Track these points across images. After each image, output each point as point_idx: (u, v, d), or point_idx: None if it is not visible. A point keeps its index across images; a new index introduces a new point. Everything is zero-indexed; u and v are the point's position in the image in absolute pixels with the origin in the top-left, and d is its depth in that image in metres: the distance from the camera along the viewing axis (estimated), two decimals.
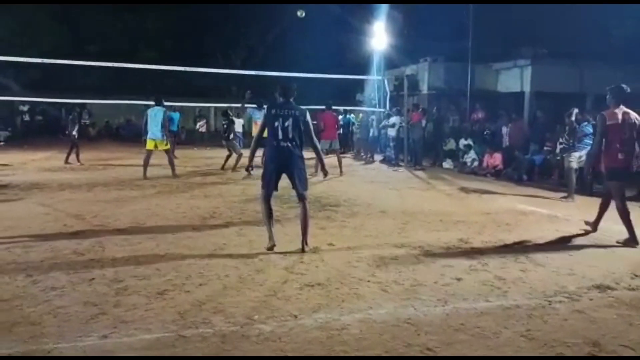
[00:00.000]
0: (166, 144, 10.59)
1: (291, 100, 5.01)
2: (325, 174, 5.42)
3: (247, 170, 5.41)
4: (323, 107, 12.63)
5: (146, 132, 10.57)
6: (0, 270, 4.32)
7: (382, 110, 16.47)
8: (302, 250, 5.00)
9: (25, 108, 23.55)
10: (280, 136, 4.80)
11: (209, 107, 24.24)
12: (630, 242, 5.56)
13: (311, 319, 3.44)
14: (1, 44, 11.51)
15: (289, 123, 4.79)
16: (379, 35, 17.29)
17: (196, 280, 4.17)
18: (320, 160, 5.51)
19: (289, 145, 4.84)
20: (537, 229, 6.37)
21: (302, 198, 5.07)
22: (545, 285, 4.19)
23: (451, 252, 5.17)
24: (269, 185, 5.01)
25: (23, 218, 6.45)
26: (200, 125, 22.85)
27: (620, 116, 5.66)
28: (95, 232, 5.74)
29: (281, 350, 2.99)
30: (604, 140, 5.69)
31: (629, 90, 5.80)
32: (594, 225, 6.16)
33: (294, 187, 5.07)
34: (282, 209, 7.24)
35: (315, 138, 5.29)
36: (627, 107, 5.75)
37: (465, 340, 3.17)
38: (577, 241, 5.73)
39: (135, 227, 6.03)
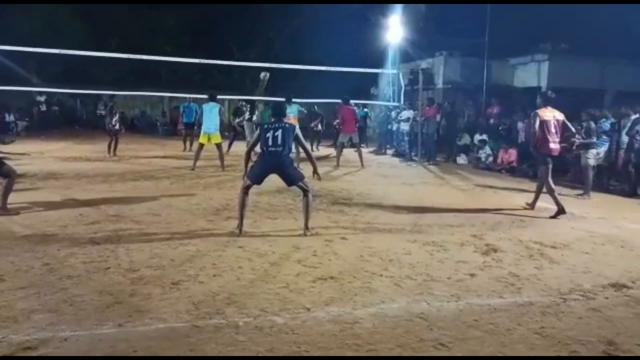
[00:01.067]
0: (219, 138, 10.98)
1: (282, 118, 5.81)
2: (318, 177, 5.94)
3: (244, 177, 5.75)
4: (339, 100, 12.67)
5: (200, 126, 11.21)
6: (17, 258, 4.40)
7: (397, 104, 16.37)
8: (304, 234, 5.50)
9: (42, 99, 23.83)
10: (270, 143, 5.46)
11: (224, 99, 24.30)
12: (560, 213, 6.71)
13: (324, 312, 3.45)
14: (24, 42, 11.63)
15: (278, 133, 5.48)
16: (395, 29, 17.17)
17: (210, 271, 4.21)
18: (312, 162, 6.00)
19: (277, 149, 5.47)
20: (553, 226, 6.31)
21: (302, 189, 5.59)
22: (560, 283, 4.16)
23: (465, 248, 5.14)
24: (257, 178, 5.58)
25: (40, 207, 6.54)
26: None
27: (549, 114, 7.00)
28: (111, 222, 5.80)
29: (294, 342, 3.00)
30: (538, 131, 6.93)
31: (554, 95, 7.42)
32: (532, 205, 7.30)
33: (289, 184, 5.70)
34: (295, 202, 7.26)
35: (305, 143, 6.09)
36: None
37: (478, 336, 3.16)
38: (594, 239, 5.65)
39: (150, 218, 6.09)
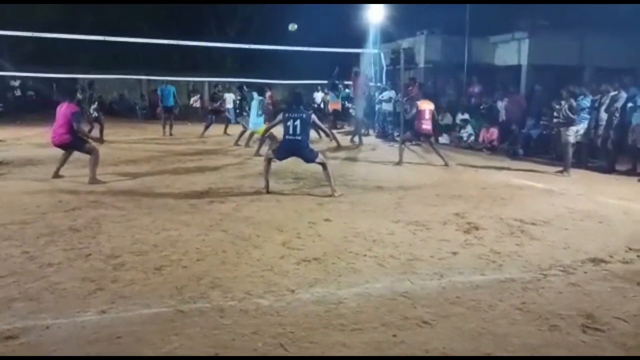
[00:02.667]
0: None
1: (300, 107, 6.80)
2: (338, 144, 7.75)
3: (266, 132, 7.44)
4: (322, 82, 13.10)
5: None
6: None
7: (379, 84, 16.32)
8: (333, 196, 6.47)
9: (17, 83, 23.23)
10: (290, 132, 6.46)
11: (202, 81, 23.95)
12: (399, 163, 9.45)
13: (308, 293, 3.47)
14: None
15: (297, 123, 6.44)
16: (376, 8, 17.02)
17: (193, 255, 4.18)
18: (332, 135, 7.79)
19: (297, 138, 6.47)
20: (533, 203, 6.40)
21: (320, 164, 6.64)
22: (540, 259, 4.23)
23: (447, 227, 5.19)
24: (280, 156, 6.72)
25: (18, 194, 6.42)
26: (194, 101, 22.59)
27: (424, 105, 9.68)
28: (91, 208, 5.72)
29: (279, 324, 3.01)
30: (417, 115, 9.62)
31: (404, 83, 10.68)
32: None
33: (308, 162, 6.75)
34: (279, 184, 7.24)
35: (322, 125, 7.63)
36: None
37: (461, 312, 3.21)
38: (573, 215, 5.75)
39: (131, 203, 6.02)
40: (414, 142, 10.99)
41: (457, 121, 13.67)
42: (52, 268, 3.85)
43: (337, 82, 14.58)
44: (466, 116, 13.46)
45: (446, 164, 9.40)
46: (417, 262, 4.11)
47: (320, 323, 3.04)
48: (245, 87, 13.04)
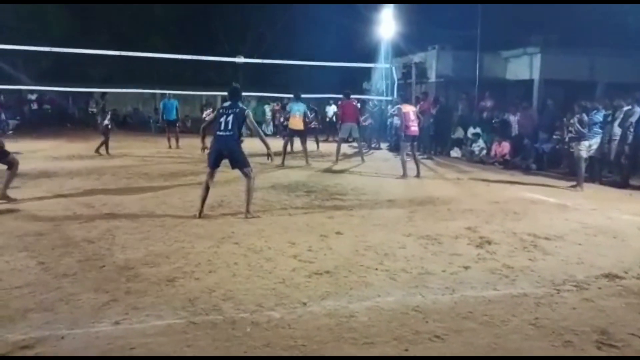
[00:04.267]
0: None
1: (238, 102, 6.20)
2: (271, 159, 6.43)
3: (202, 150, 6.51)
4: (333, 95, 12.86)
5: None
6: (12, 257, 4.38)
7: (390, 98, 16.39)
8: (245, 217, 5.96)
9: (33, 97, 23.64)
10: (222, 127, 5.96)
11: (215, 95, 24.21)
12: (403, 176, 9.52)
13: (320, 306, 3.47)
14: (10, 33, 11.51)
15: (229, 118, 5.95)
16: (387, 23, 17.15)
17: (205, 267, 4.21)
18: (265, 144, 6.35)
19: (227, 133, 5.95)
20: (546, 217, 6.35)
21: (244, 174, 6.07)
22: (553, 274, 4.20)
23: (459, 241, 5.17)
24: (211, 161, 6.11)
25: (33, 206, 6.51)
26: (207, 114, 22.81)
27: (408, 107, 9.95)
28: (105, 220, 5.79)
29: (290, 336, 3.02)
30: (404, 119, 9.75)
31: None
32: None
33: (233, 167, 6.16)
34: (290, 198, 7.27)
35: (259, 129, 6.47)
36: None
37: (473, 328, 3.19)
38: (586, 231, 5.70)
39: (144, 216, 6.08)
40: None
41: (469, 135, 13.66)
42: (67, 279, 3.90)
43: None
44: (478, 130, 13.45)
45: (417, 174, 9.65)
46: (428, 276, 4.10)
47: (332, 336, 3.04)
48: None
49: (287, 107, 13.13)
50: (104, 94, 14.23)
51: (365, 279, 4.00)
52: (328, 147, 14.98)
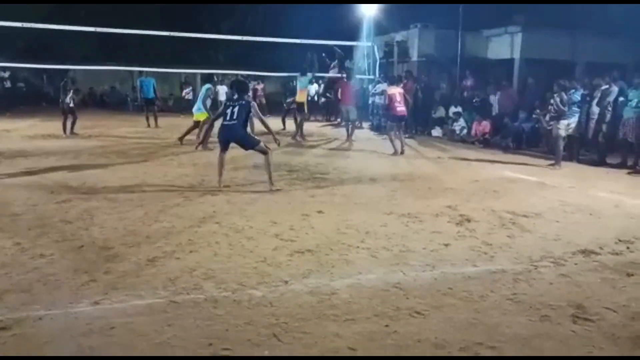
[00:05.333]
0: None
1: (244, 96, 6.68)
2: (278, 143, 6.84)
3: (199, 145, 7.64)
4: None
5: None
6: None
7: (372, 77, 16.30)
8: (270, 190, 6.30)
9: (7, 75, 22.97)
10: (227, 117, 6.39)
11: (194, 73, 23.81)
12: (396, 154, 9.70)
13: (301, 284, 3.48)
14: None
15: (235, 109, 6.37)
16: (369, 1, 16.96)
17: (186, 247, 4.18)
18: (269, 131, 6.75)
19: (232, 122, 6.35)
20: (525, 195, 6.44)
21: (261, 151, 6.45)
22: (531, 251, 4.27)
23: (439, 219, 5.22)
24: (221, 144, 6.60)
25: (9, 186, 6.37)
26: (186, 93, 22.46)
27: (393, 89, 10.24)
28: (83, 200, 5.69)
29: (272, 314, 3.02)
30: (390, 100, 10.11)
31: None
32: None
33: (246, 149, 6.64)
34: (272, 177, 7.22)
35: (262, 117, 6.97)
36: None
37: (452, 303, 3.23)
38: (564, 208, 5.80)
39: (123, 195, 5.99)
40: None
41: (450, 114, 13.70)
42: (45, 259, 3.83)
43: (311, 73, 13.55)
44: (459, 109, 13.50)
45: (402, 152, 9.84)
46: (409, 254, 4.13)
47: (314, 314, 3.05)
48: (215, 77, 13.42)
49: (295, 83, 13.12)
50: (67, 71, 13.67)
51: (347, 257, 4.02)
52: (306, 127, 14.91)
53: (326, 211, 5.42)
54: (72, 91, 12.44)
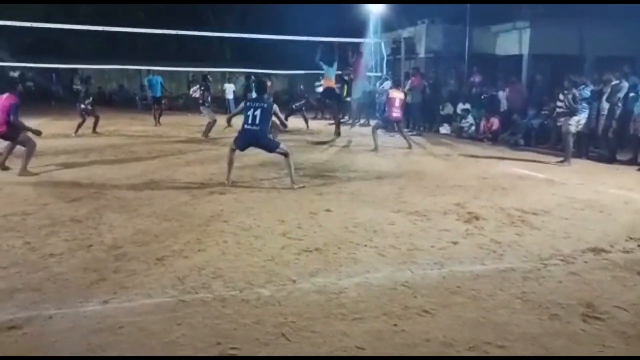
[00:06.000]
0: None
1: (264, 95, 6.70)
2: (284, 126, 7.38)
3: (227, 122, 7.49)
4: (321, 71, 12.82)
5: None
6: None
7: (379, 74, 16.25)
8: (292, 188, 6.35)
9: (16, 74, 23.13)
10: (249, 121, 6.29)
11: (203, 71, 23.88)
12: (375, 150, 9.82)
13: (309, 283, 3.48)
14: None
15: (257, 112, 6.26)
16: None
17: (194, 246, 4.19)
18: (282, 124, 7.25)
19: (255, 128, 6.29)
20: (534, 193, 6.40)
21: (282, 153, 6.47)
22: (540, 248, 4.24)
23: (448, 217, 5.20)
24: (240, 145, 6.51)
25: (19, 185, 6.42)
26: (194, 91, 22.49)
27: (395, 94, 10.39)
28: (92, 199, 5.73)
29: (280, 313, 3.03)
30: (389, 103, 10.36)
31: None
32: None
33: (269, 152, 6.59)
34: (279, 175, 7.24)
35: (282, 119, 7.22)
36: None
37: (461, 302, 3.22)
38: (574, 205, 5.76)
39: (132, 194, 6.02)
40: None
41: (458, 111, 13.63)
42: (54, 259, 3.86)
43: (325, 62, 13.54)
44: (467, 106, 13.42)
45: (409, 147, 10.27)
46: (417, 252, 4.12)
47: (322, 312, 3.05)
48: (209, 77, 13.45)
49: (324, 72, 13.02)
50: (87, 78, 13.77)
51: (355, 256, 4.02)
52: (314, 124, 14.93)
53: (334, 209, 5.42)
54: (91, 97, 12.57)
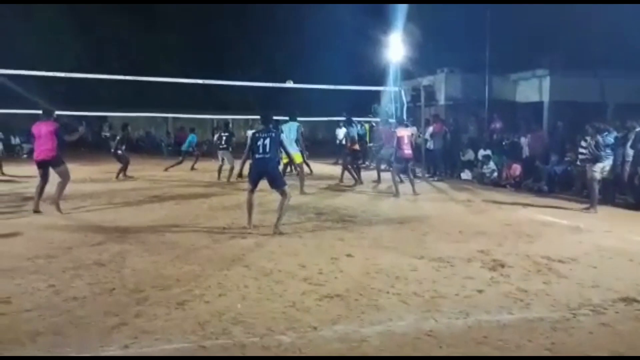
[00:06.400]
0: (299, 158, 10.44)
1: (270, 125, 6.76)
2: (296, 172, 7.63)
3: (239, 175, 7.83)
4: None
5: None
6: (23, 280, 4.39)
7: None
8: (273, 233, 6.30)
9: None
10: (260, 151, 6.43)
11: (227, 119, 24.57)
12: (396, 195, 9.86)
13: (331, 330, 3.42)
14: (26, 62, 11.88)
15: (266, 142, 6.43)
16: (396, 46, 17.29)
17: (215, 290, 4.18)
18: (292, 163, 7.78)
19: (266, 156, 6.42)
20: (559, 240, 6.26)
21: (281, 193, 6.50)
22: (569, 298, 4.11)
23: (472, 264, 5.10)
24: (253, 179, 6.64)
25: (46, 229, 6.55)
26: (218, 137, 23.06)
27: (403, 132, 10.41)
28: (116, 243, 5.80)
29: None
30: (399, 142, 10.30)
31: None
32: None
33: (272, 187, 6.63)
34: (300, 220, 7.25)
35: (289, 150, 7.68)
36: None
37: (488, 353, 3.12)
38: (601, 253, 5.60)
39: (155, 237, 6.09)
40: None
41: (480, 157, 13.60)
42: (77, 302, 3.89)
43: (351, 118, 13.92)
44: (488, 152, 13.38)
45: (414, 193, 10.18)
46: (441, 300, 4.03)
47: None
48: (230, 124, 13.93)
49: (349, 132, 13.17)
50: (125, 125, 14.28)
51: (377, 303, 3.95)
52: (332, 170, 14.98)
53: (355, 254, 5.37)
54: (126, 143, 13.25)
